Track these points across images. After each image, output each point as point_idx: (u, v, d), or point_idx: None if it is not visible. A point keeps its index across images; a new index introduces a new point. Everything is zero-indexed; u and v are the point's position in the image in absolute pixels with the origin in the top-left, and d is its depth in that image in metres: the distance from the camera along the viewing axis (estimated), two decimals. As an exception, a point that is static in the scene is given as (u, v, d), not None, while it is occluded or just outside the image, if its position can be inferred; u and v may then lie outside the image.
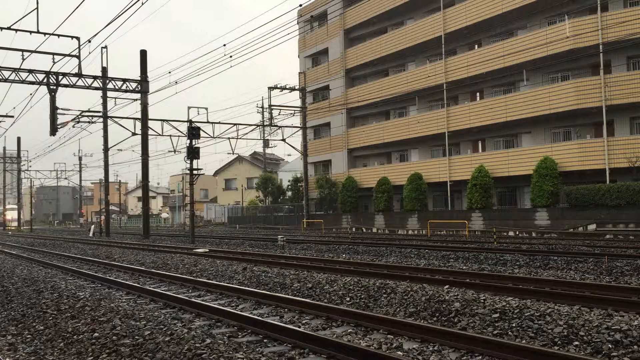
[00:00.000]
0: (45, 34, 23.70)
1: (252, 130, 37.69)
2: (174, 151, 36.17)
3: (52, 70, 25.86)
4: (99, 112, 33.69)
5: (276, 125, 38.06)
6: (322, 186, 41.88)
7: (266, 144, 47.41)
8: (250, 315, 7.06)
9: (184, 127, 32.47)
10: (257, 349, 5.67)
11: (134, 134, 32.10)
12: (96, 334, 6.28)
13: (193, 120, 29.67)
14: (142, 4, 16.97)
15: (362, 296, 8.35)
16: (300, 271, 11.54)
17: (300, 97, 39.69)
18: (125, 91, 28.65)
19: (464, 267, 11.75)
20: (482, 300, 7.07)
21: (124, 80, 28.36)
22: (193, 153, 24.12)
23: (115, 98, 32.11)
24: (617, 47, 27.10)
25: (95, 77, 27.54)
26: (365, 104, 40.15)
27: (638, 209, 24.20)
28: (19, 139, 59.52)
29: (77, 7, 17.39)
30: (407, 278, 9.91)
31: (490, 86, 34.12)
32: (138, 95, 29.55)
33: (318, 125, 45.88)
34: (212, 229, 49.21)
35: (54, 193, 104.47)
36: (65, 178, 71.07)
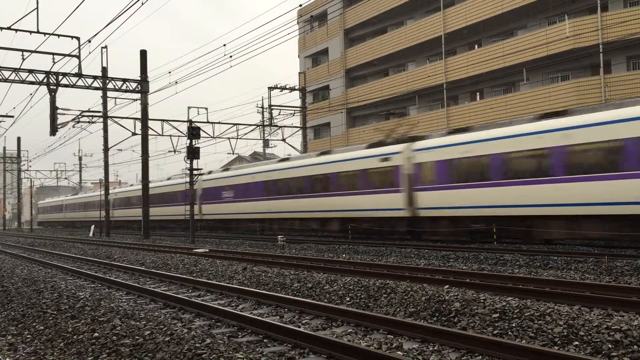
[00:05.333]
0: (45, 34, 23.71)
1: (252, 130, 37.66)
2: (174, 151, 36.16)
3: (52, 70, 25.87)
4: (99, 112, 33.68)
5: (276, 125, 38.02)
6: (322, 186, 41.78)
7: (266, 144, 47.29)
8: (250, 315, 7.06)
9: (184, 127, 32.49)
10: (257, 349, 5.67)
11: (134, 134, 32.10)
12: (96, 334, 6.28)
13: (193, 120, 29.69)
14: (142, 3, 16.97)
15: (362, 296, 8.35)
16: (300, 271, 11.54)
17: (300, 97, 39.65)
18: (125, 91, 28.66)
19: (464, 267, 11.75)
20: (482, 300, 7.06)
21: (124, 80, 28.37)
22: (193, 153, 24.12)
23: (115, 98, 32.14)
24: (617, 47, 27.10)
25: (95, 77, 27.55)
26: (365, 104, 40.15)
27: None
28: (19, 139, 59.49)
29: (77, 7, 17.40)
30: (407, 278, 9.91)
31: (490, 86, 34.12)
32: (138, 95, 29.56)
33: (318, 125, 45.87)
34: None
35: (54, 193, 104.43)
36: (65, 178, 71.10)
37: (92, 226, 41.83)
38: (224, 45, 25.44)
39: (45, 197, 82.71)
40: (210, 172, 33.84)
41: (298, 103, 39.53)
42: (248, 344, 5.96)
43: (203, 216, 33.53)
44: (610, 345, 5.22)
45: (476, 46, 34.97)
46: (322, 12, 43.51)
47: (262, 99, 39.44)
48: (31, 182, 69.82)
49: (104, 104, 33.59)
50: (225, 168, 35.94)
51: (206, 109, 34.11)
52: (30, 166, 64.93)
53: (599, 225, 14.85)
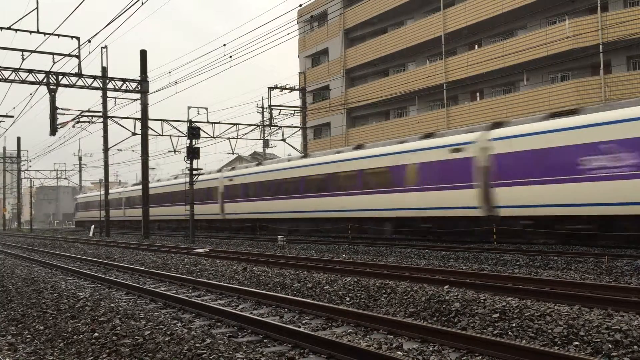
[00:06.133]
0: (45, 34, 23.73)
1: (252, 130, 37.68)
2: (174, 151, 36.19)
3: (52, 70, 25.88)
4: (99, 112, 33.69)
5: (276, 125, 38.03)
6: (323, 186, 41.69)
7: (266, 144, 47.34)
8: (250, 315, 7.06)
9: (184, 127, 32.49)
10: (257, 349, 5.67)
11: (134, 134, 32.11)
12: (96, 334, 6.27)
13: (193, 120, 29.67)
14: (142, 3, 16.98)
15: (362, 296, 8.34)
16: (300, 271, 11.54)
17: (300, 97, 39.67)
18: (125, 91, 28.67)
19: (464, 267, 11.75)
20: (482, 300, 7.06)
21: (124, 80, 28.37)
22: (193, 153, 24.12)
23: (115, 98, 32.14)
24: (617, 47, 27.10)
25: (95, 77, 27.56)
26: (365, 104, 40.16)
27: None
28: (19, 139, 59.51)
29: (77, 7, 17.39)
30: (407, 278, 9.91)
31: (490, 86, 34.12)
32: (138, 95, 29.57)
33: (318, 125, 45.88)
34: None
35: (54, 193, 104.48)
36: (65, 178, 71.16)
37: (92, 226, 41.68)
38: (224, 45, 25.46)
39: (85, 190, 68.81)
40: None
41: (298, 103, 39.55)
42: (248, 344, 5.96)
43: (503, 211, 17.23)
44: (610, 345, 5.22)
45: (476, 46, 34.96)
46: (322, 12, 43.53)
47: (262, 99, 39.48)
48: (31, 182, 69.87)
49: (104, 104, 33.61)
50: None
51: (206, 109, 34.17)
52: (30, 166, 65.03)
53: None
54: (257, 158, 57.34)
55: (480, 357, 5.23)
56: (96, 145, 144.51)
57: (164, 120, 33.90)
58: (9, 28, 23.89)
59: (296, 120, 42.99)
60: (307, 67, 47.09)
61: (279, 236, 20.16)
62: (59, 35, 24.44)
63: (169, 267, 14.19)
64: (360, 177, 22.04)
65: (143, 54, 29.43)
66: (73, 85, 26.67)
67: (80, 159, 64.17)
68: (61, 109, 28.93)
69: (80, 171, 65.13)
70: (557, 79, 31.04)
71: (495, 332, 6.09)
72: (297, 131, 40.23)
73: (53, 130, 26.04)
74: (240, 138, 36.71)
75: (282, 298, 8.41)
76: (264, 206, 27.66)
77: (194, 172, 24.58)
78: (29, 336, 6.94)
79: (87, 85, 27.17)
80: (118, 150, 60.58)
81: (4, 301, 9.54)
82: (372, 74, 42.42)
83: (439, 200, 18.96)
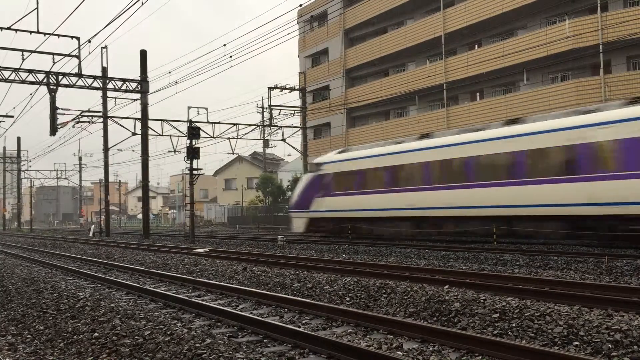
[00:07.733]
0: (45, 34, 23.75)
1: (252, 130, 37.71)
2: (174, 151, 36.20)
3: (52, 70, 25.89)
4: (99, 112, 33.70)
5: (276, 126, 38.04)
6: (322, 186, 41.68)
7: (266, 144, 47.33)
8: (250, 315, 7.06)
9: (184, 127, 32.51)
10: (257, 349, 5.67)
11: (134, 134, 32.11)
12: (96, 334, 6.27)
13: (193, 120, 29.66)
14: (142, 4, 16.98)
15: (362, 296, 8.34)
16: (300, 271, 11.54)
17: (300, 97, 39.67)
18: (125, 91, 28.67)
19: (464, 267, 11.75)
20: (482, 300, 7.06)
21: (124, 80, 28.37)
22: (193, 153, 24.11)
23: (115, 98, 32.16)
24: (617, 47, 27.10)
25: (95, 77, 27.56)
26: (365, 104, 40.17)
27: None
28: (19, 139, 59.52)
29: (77, 7, 17.41)
30: (407, 278, 9.91)
31: (490, 86, 34.13)
32: (138, 95, 29.57)
33: (318, 125, 45.88)
34: (212, 229, 49.18)
35: (54, 193, 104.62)
36: (65, 178, 71.11)
37: (92, 226, 41.65)
38: (224, 45, 25.53)
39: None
40: None
41: (298, 103, 39.55)
42: (248, 344, 5.96)
43: None
44: (610, 346, 5.22)
45: (476, 46, 34.98)
46: (322, 12, 43.54)
47: (262, 99, 39.49)
48: (31, 182, 69.89)
49: (104, 104, 33.61)
50: None
51: (206, 109, 34.20)
52: (30, 166, 65.03)
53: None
54: (257, 158, 57.12)
55: (480, 357, 5.23)
56: (96, 145, 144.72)
57: (164, 120, 33.91)
58: (9, 28, 23.90)
59: (296, 120, 42.99)
60: (307, 67, 47.11)
61: (279, 236, 20.16)
62: (59, 35, 24.47)
63: (169, 267, 14.19)
64: None
65: (143, 54, 29.43)
66: (73, 86, 26.67)
67: (80, 159, 64.20)
68: (61, 109, 28.93)
69: (80, 171, 65.14)
70: (557, 79, 31.05)
71: (495, 332, 6.08)
72: (297, 131, 40.23)
73: (53, 130, 26.05)
74: (240, 138, 36.75)
75: (282, 298, 8.41)
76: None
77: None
78: (29, 336, 6.94)
79: (87, 85, 27.18)
80: (118, 150, 60.68)
81: (4, 301, 9.55)
82: (372, 74, 42.44)
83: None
